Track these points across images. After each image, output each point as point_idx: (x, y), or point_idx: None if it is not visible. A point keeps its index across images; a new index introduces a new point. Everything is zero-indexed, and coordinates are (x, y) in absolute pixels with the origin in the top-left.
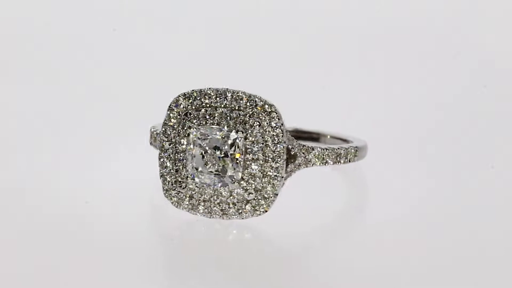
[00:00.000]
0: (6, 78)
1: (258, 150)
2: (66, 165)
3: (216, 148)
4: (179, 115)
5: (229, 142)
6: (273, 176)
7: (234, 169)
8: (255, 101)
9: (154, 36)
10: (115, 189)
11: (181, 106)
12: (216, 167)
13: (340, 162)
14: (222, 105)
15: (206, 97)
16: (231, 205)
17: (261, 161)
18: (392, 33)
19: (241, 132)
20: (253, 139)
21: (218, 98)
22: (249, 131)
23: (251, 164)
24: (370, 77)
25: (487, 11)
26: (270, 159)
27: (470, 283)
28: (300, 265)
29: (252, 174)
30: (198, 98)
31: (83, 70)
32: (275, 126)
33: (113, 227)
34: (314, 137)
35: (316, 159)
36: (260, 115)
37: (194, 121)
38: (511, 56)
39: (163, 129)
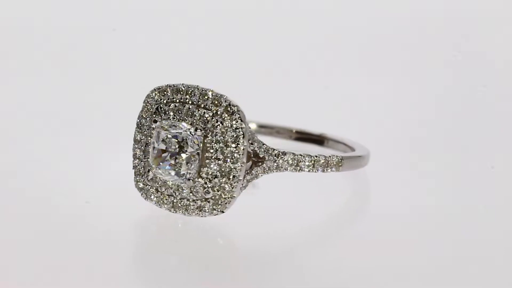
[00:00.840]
0: (6, 78)
1: (218, 150)
2: (66, 165)
3: (173, 143)
4: (151, 108)
5: (186, 139)
6: (231, 177)
7: (189, 166)
8: (220, 101)
9: (155, 36)
10: (114, 189)
11: (155, 99)
12: (171, 162)
13: (318, 170)
14: (190, 102)
15: (177, 92)
16: (191, 202)
17: (220, 161)
18: (391, 33)
19: (200, 130)
20: (214, 138)
21: (187, 95)
22: (211, 130)
23: (210, 163)
24: (370, 77)
25: (487, 11)
26: (229, 159)
27: (470, 283)
28: (297, 265)
29: (211, 173)
30: (170, 93)
31: (83, 68)
32: (236, 128)
33: (113, 227)
34: (317, 139)
35: (288, 165)
36: (223, 115)
37: (162, 115)
38: (511, 56)
39: (138, 120)
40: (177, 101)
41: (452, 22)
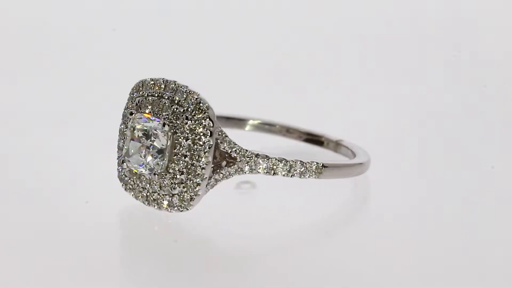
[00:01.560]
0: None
1: (185, 146)
2: (66, 165)
3: (140, 137)
4: (134, 100)
5: (155, 133)
6: (196, 175)
7: (156, 161)
8: (192, 98)
9: (157, 35)
10: (114, 189)
11: (138, 91)
12: (138, 156)
13: (294, 176)
14: (166, 97)
15: (156, 86)
16: (161, 197)
17: (187, 158)
18: (391, 33)
19: (168, 125)
20: (182, 134)
21: (164, 89)
22: (180, 126)
23: (178, 159)
24: (369, 77)
25: (486, 11)
26: (196, 157)
27: (470, 283)
28: (292, 265)
29: (177, 169)
30: (150, 86)
31: (82, 68)
32: (205, 125)
33: (113, 226)
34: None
35: (262, 169)
36: (194, 112)
37: (142, 107)
38: (511, 56)
39: (123, 113)
40: (156, 95)
41: (452, 22)
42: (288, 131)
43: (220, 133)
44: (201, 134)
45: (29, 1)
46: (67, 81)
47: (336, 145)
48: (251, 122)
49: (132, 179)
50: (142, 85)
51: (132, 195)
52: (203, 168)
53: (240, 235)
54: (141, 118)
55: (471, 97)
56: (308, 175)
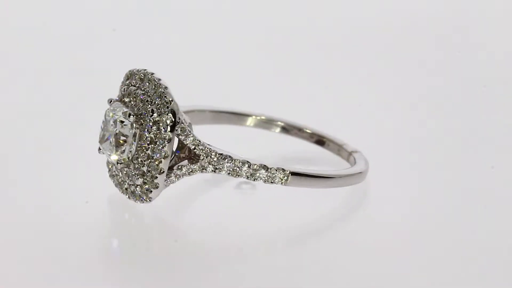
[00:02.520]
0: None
1: (148, 139)
2: (66, 164)
3: (111, 125)
4: (121, 89)
5: (121, 122)
6: (154, 168)
7: (121, 151)
8: (159, 92)
9: (158, 35)
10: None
11: (124, 82)
12: (108, 143)
13: (257, 180)
14: (142, 88)
15: (138, 77)
16: (130, 187)
17: (149, 150)
18: (390, 32)
19: (133, 116)
20: (147, 127)
21: (142, 81)
22: (146, 119)
23: (141, 151)
24: (369, 77)
25: (486, 11)
26: (155, 150)
27: (470, 283)
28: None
29: (140, 160)
30: (134, 77)
31: (81, 67)
32: (166, 120)
33: (113, 226)
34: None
35: (225, 169)
36: (159, 106)
37: (124, 97)
38: (511, 56)
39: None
40: (136, 85)
41: (452, 21)
42: (299, 130)
43: (183, 129)
44: (162, 128)
45: (29, 1)
46: (67, 81)
47: (349, 155)
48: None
49: (113, 167)
50: (131, 74)
51: (113, 182)
52: (160, 162)
53: (240, 235)
54: (117, 106)
55: (471, 97)
56: (272, 181)
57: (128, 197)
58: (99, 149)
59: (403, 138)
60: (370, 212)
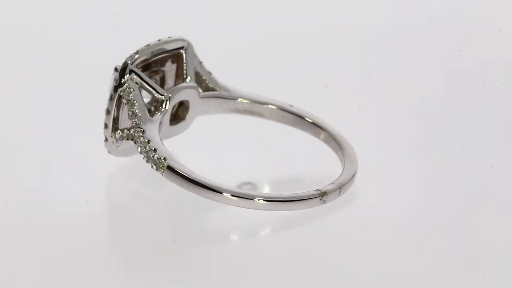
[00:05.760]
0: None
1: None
2: (66, 164)
3: None
4: None
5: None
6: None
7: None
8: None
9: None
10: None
11: None
12: None
13: (150, 162)
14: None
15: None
16: None
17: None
18: (389, 32)
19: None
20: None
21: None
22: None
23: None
24: (368, 77)
25: (486, 11)
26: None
27: (471, 283)
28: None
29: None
30: None
31: (81, 67)
32: (115, 76)
33: (113, 226)
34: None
35: (138, 142)
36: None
37: None
38: (511, 55)
39: None
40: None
41: (451, 21)
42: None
43: (133, 97)
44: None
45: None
46: (66, 81)
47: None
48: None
49: None
50: None
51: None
52: (106, 114)
53: (240, 235)
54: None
55: (471, 96)
56: (156, 168)
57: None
58: None
59: (403, 138)
60: (368, 212)
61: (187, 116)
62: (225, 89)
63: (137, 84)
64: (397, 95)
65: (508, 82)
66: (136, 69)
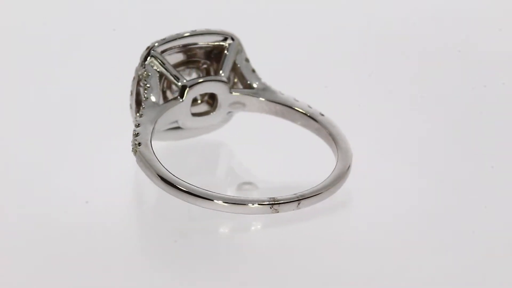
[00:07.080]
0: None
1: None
2: (66, 164)
3: None
4: None
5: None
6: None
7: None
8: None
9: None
10: (114, 189)
11: None
12: None
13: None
14: None
15: None
16: None
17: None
18: (389, 31)
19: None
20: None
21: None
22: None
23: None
24: (368, 77)
25: (486, 11)
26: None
27: (471, 284)
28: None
29: None
30: None
31: (81, 67)
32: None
33: (113, 226)
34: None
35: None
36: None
37: None
38: (511, 55)
39: None
40: None
41: (451, 21)
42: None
43: (149, 81)
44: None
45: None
46: (66, 81)
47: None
48: None
49: None
50: None
51: None
52: (130, 95)
53: (240, 235)
54: None
55: (471, 96)
56: (134, 151)
57: None
58: None
59: (402, 138)
60: (367, 212)
61: (216, 110)
62: (263, 89)
63: (157, 70)
64: (397, 95)
65: (508, 82)
66: (159, 55)
